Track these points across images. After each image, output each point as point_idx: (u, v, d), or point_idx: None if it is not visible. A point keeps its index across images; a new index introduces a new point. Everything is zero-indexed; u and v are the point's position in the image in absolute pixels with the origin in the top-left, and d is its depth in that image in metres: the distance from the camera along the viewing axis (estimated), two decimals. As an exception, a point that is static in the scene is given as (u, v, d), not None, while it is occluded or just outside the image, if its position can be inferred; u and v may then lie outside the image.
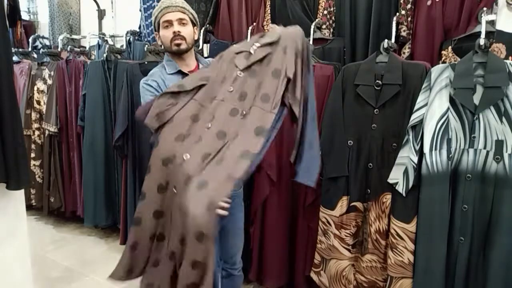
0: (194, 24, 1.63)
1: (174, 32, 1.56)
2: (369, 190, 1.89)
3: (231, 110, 1.34)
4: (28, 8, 4.68)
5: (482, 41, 1.65)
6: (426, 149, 1.71)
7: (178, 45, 1.57)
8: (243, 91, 1.36)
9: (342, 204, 1.93)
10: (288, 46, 1.36)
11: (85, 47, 3.62)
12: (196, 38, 1.67)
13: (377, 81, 1.85)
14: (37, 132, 3.31)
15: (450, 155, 1.68)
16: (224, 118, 1.33)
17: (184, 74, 1.62)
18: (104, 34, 3.62)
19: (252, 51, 1.41)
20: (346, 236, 1.94)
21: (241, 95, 1.36)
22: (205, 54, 2.71)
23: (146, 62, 2.62)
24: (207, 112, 1.37)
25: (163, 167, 1.34)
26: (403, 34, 2.13)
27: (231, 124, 1.32)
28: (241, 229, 1.80)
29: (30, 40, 3.96)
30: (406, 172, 1.76)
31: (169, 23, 1.57)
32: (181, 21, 1.57)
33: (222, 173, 1.22)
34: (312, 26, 2.33)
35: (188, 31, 1.60)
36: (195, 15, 1.64)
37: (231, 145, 1.28)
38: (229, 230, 1.76)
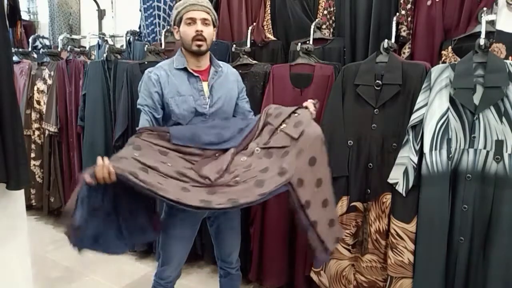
0: (214, 25, 1.64)
1: (196, 31, 1.55)
2: (369, 190, 1.89)
3: (230, 171, 1.44)
4: (28, 8, 4.68)
5: (482, 41, 1.65)
6: (426, 149, 1.71)
7: (199, 46, 1.57)
8: (250, 165, 1.45)
9: (342, 204, 1.93)
10: (304, 151, 1.43)
11: (85, 47, 3.62)
12: (214, 39, 1.67)
13: (377, 81, 1.85)
14: (37, 132, 3.30)
15: (450, 155, 1.68)
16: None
17: (189, 73, 1.61)
18: (104, 34, 3.62)
19: (278, 130, 1.50)
20: (346, 236, 1.94)
21: (247, 167, 1.45)
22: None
23: (146, 62, 2.62)
24: (215, 158, 1.50)
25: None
26: (403, 34, 2.13)
27: (222, 179, 1.42)
28: (237, 228, 1.79)
29: (30, 40, 3.96)
30: (406, 172, 1.76)
31: (193, 21, 1.56)
32: (204, 21, 1.57)
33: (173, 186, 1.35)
34: (312, 26, 2.33)
35: (210, 32, 1.59)
36: (216, 17, 1.65)
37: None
38: (224, 229, 1.75)
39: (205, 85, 1.62)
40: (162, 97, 1.58)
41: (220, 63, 1.71)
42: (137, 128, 1.54)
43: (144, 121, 1.56)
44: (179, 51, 1.65)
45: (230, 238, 1.78)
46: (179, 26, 1.60)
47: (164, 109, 1.60)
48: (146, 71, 1.63)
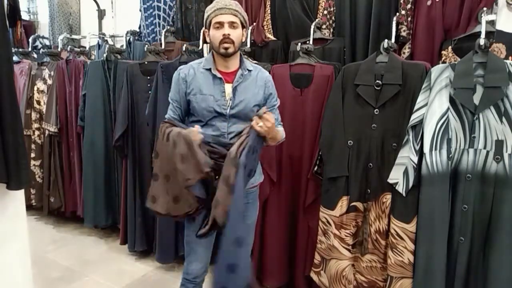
0: (243, 27, 1.65)
1: (223, 35, 1.58)
2: (369, 190, 1.89)
3: None
4: (28, 8, 4.68)
5: (482, 41, 1.65)
6: (426, 149, 1.71)
7: (226, 48, 1.59)
8: None
9: (342, 204, 1.93)
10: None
11: (85, 47, 3.62)
12: (243, 40, 1.68)
13: (377, 81, 1.85)
14: (37, 132, 3.30)
15: (450, 155, 1.68)
16: None
17: (213, 75, 1.64)
18: (104, 34, 3.62)
19: None
20: (346, 236, 1.94)
21: None
22: (205, 54, 2.71)
23: (146, 62, 2.62)
24: None
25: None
26: (403, 34, 2.13)
27: None
28: (249, 226, 1.78)
29: (30, 40, 3.97)
30: (406, 172, 1.76)
31: (220, 24, 1.59)
32: (232, 24, 1.59)
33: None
34: (312, 26, 2.33)
35: (237, 35, 1.61)
36: (246, 18, 1.66)
37: None
38: None
39: (228, 87, 1.64)
40: (186, 95, 1.65)
41: (252, 66, 1.72)
42: (166, 116, 1.69)
43: (170, 112, 1.71)
44: (210, 53, 1.70)
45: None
46: (209, 30, 1.64)
47: (188, 105, 1.67)
48: (178, 68, 1.71)
